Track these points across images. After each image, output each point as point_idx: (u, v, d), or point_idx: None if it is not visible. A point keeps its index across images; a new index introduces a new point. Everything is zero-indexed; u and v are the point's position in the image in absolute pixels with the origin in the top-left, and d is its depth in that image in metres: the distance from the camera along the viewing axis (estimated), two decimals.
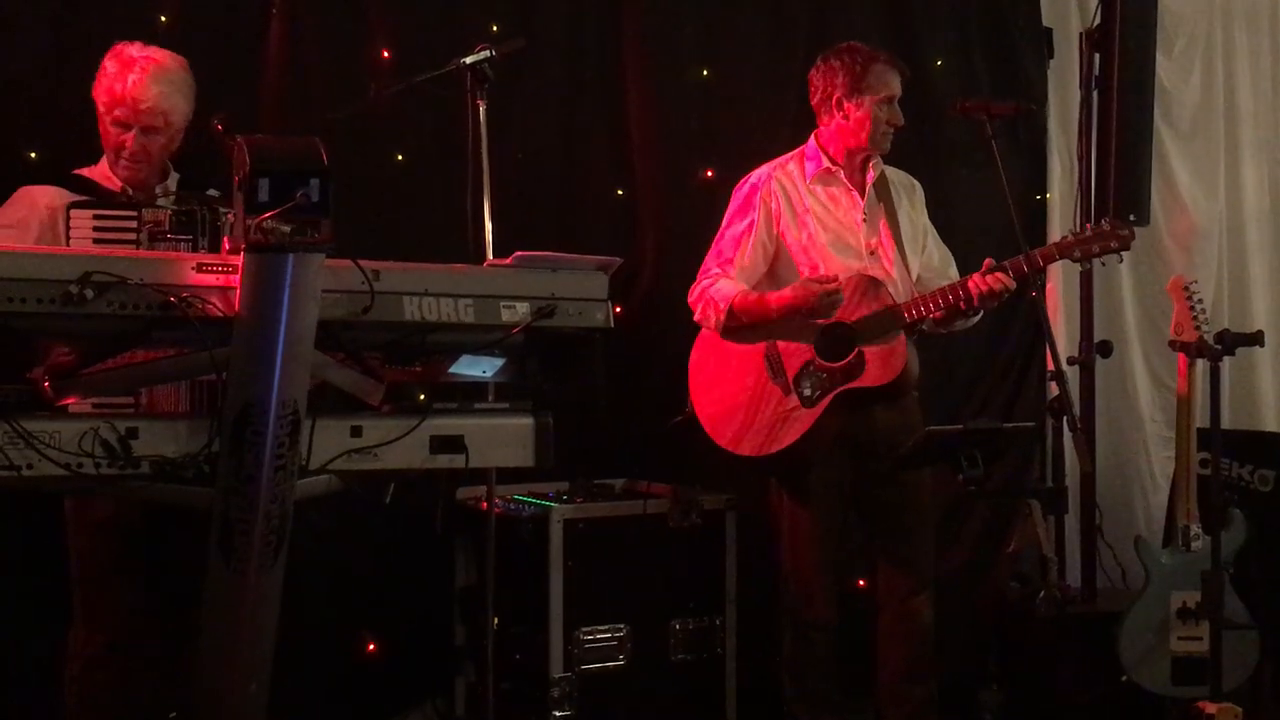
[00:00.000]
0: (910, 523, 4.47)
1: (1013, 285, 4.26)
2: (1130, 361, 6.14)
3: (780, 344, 4.39)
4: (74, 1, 4.50)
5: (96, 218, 3.60)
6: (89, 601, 3.84)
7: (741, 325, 4.41)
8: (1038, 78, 6.04)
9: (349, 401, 3.15)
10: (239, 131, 2.92)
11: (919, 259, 4.53)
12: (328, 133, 2.99)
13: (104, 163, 3.93)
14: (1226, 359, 4.75)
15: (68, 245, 3.55)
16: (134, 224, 3.56)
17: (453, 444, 3.22)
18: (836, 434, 4.34)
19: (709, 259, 4.53)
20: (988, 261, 4.29)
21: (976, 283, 4.26)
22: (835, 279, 4.28)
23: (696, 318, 4.50)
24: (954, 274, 4.53)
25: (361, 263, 3.02)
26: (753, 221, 4.46)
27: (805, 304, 4.27)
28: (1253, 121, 6.51)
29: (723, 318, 4.40)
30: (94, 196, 3.75)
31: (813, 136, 4.55)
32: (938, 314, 4.33)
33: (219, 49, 4.67)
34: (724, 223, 4.55)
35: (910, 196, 4.60)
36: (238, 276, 2.88)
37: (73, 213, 3.60)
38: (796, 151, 4.56)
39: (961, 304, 4.29)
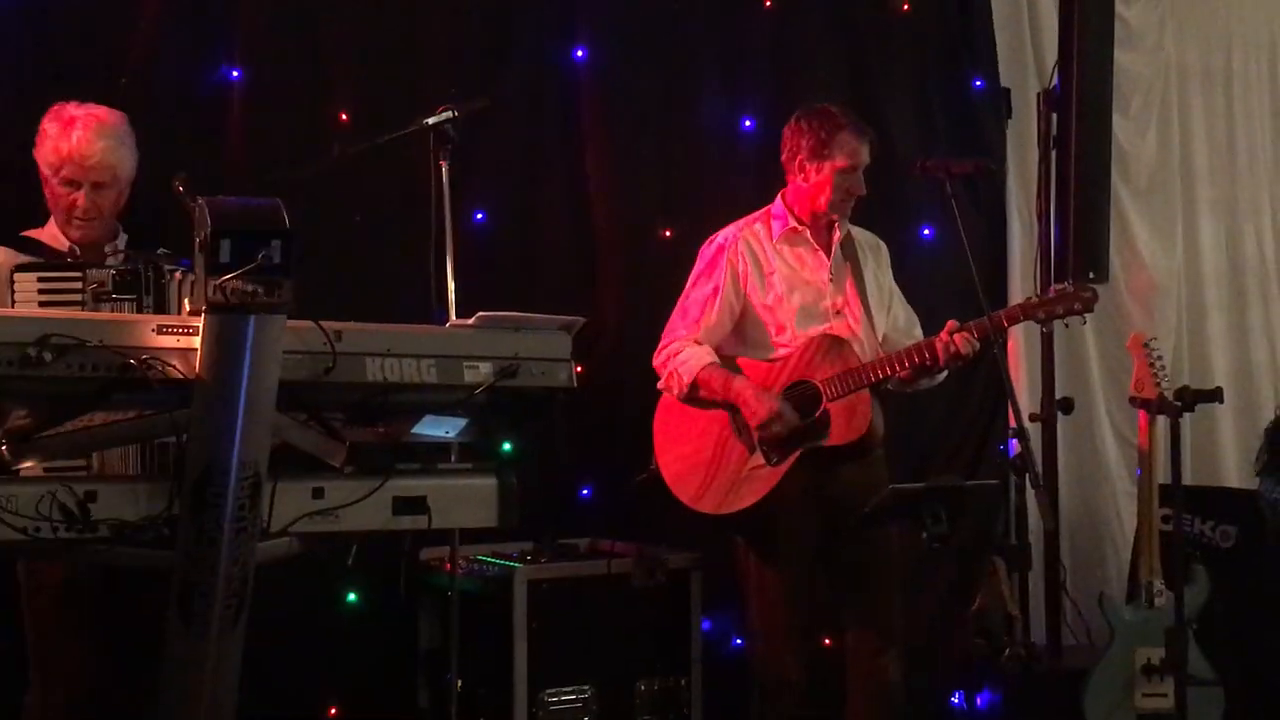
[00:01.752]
0: (876, 581, 4.46)
1: (978, 346, 4.28)
2: (1096, 417, 6.18)
3: None
4: (39, 65, 4.50)
5: (41, 279, 3.58)
6: (45, 663, 3.79)
7: (703, 397, 4.41)
8: (997, 137, 6.09)
9: (311, 463, 3.13)
10: (200, 192, 2.91)
11: (885, 319, 4.54)
12: (290, 193, 2.98)
13: (52, 224, 3.91)
14: (1187, 415, 4.77)
15: (13, 308, 3.53)
16: (79, 285, 3.55)
17: (416, 505, 3.20)
18: (802, 492, 4.33)
19: (674, 320, 4.52)
20: (950, 323, 4.30)
21: (944, 343, 4.27)
22: (790, 428, 4.28)
23: (660, 385, 4.50)
24: (919, 334, 4.54)
25: (324, 323, 3.01)
26: (719, 283, 4.46)
27: (757, 417, 4.27)
28: (1209, 179, 6.59)
29: (685, 390, 4.42)
30: (41, 258, 3.74)
31: (779, 196, 4.55)
32: (904, 373, 4.34)
33: (181, 110, 4.67)
34: (690, 282, 4.55)
35: (876, 256, 4.62)
36: (198, 338, 2.86)
37: (17, 275, 3.59)
38: (764, 211, 4.57)
39: (929, 362, 4.30)
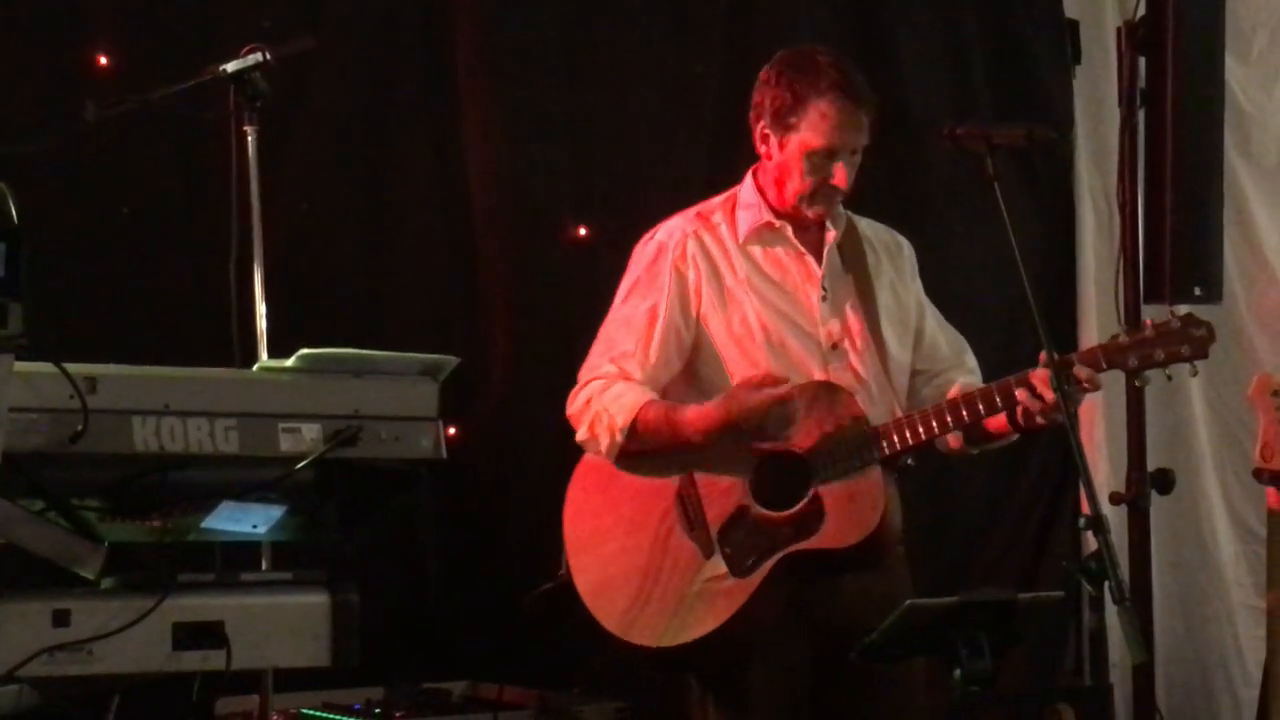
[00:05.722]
0: None
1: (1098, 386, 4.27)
2: (1205, 499, 6.22)
3: (700, 479, 4.36)
4: None
5: None
6: None
7: (646, 450, 4.38)
8: (1059, 92, 6.14)
9: (52, 574, 3.10)
10: None
11: (911, 351, 4.53)
12: (22, 174, 2.96)
13: None
14: None
15: None
16: None
17: (208, 635, 3.16)
18: (784, 615, 4.32)
19: (596, 352, 4.49)
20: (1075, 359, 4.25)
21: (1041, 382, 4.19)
22: (784, 382, 4.26)
23: (580, 438, 4.45)
24: (973, 365, 4.52)
25: (70, 367, 2.98)
26: (660, 300, 4.44)
27: (742, 421, 4.24)
28: None
29: (619, 439, 4.35)
30: None
31: (749, 174, 4.54)
32: (956, 438, 4.33)
33: None
34: (617, 299, 4.53)
35: (895, 261, 4.59)
36: None
37: None
38: (725, 196, 4.54)
39: (1018, 418, 4.24)
